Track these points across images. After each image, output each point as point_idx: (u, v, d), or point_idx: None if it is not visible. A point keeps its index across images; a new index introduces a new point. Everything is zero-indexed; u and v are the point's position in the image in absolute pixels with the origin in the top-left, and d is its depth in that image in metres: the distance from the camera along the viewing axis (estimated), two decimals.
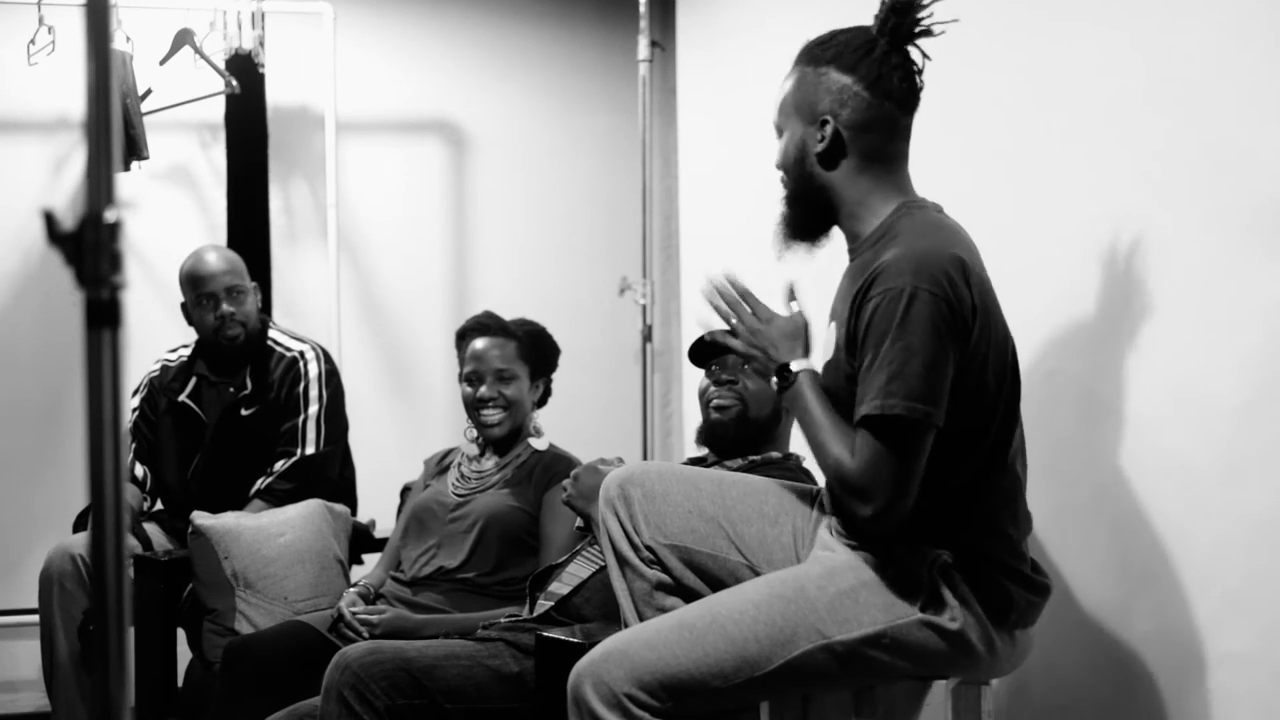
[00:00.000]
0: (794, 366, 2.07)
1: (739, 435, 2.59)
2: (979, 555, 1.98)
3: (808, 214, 2.12)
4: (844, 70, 2.04)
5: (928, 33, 2.06)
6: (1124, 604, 2.27)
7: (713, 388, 2.63)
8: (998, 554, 1.99)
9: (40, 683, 3.46)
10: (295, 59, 4.41)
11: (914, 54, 2.08)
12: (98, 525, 1.13)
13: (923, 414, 1.88)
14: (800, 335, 2.12)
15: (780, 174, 2.15)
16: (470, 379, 3.00)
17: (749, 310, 2.14)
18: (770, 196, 3.66)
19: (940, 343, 1.88)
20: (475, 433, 3.06)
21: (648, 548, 2.14)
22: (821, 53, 2.08)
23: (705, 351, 2.65)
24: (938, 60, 2.11)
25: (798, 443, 2.74)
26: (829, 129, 2.05)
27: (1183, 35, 2.17)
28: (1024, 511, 2.06)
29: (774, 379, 2.10)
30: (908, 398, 1.87)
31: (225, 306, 3.34)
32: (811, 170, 2.09)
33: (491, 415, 2.98)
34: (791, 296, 2.20)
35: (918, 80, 2.07)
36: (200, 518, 3.14)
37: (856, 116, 2.04)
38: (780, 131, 2.14)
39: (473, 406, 3.00)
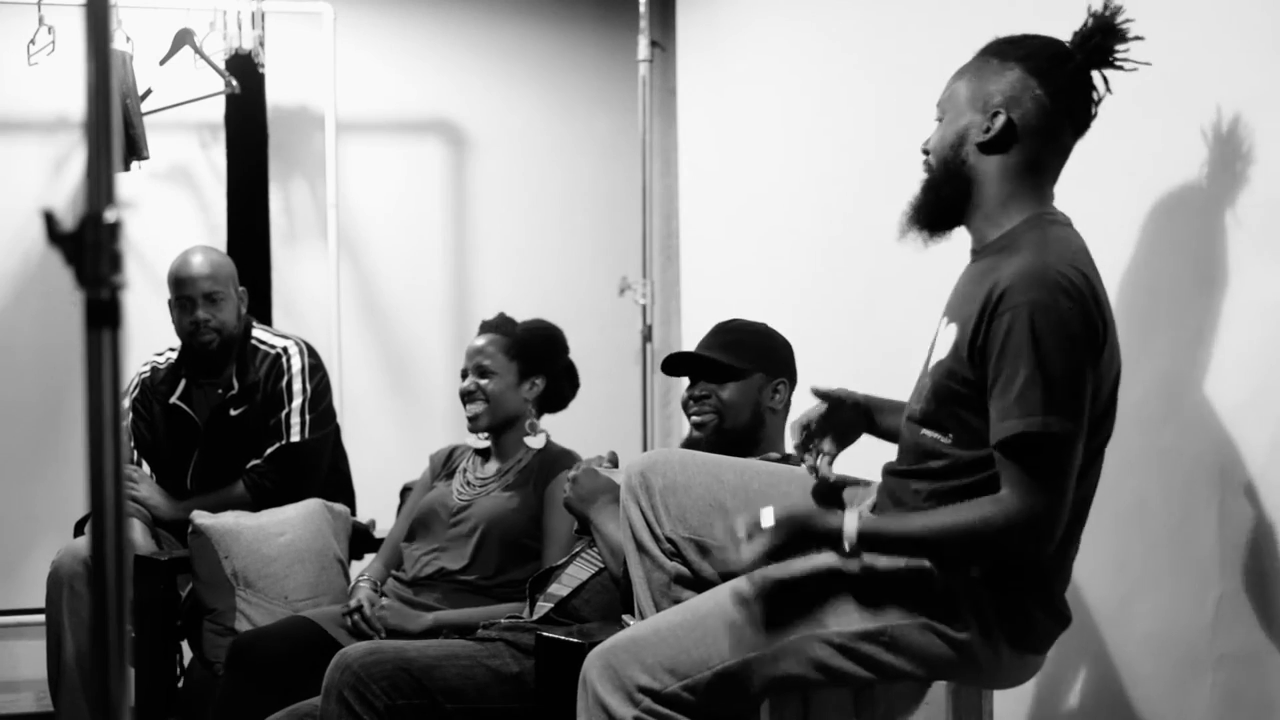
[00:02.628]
0: (849, 534, 1.91)
1: (715, 446, 2.63)
2: (1017, 575, 1.93)
3: (942, 203, 2.06)
4: (1032, 72, 1.99)
5: (1115, 65, 2.02)
6: (1124, 604, 2.27)
7: (691, 403, 2.69)
8: (1038, 577, 1.95)
9: (40, 682, 3.45)
10: (295, 59, 4.41)
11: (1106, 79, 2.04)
12: (98, 525, 1.13)
13: (1069, 429, 1.83)
14: (808, 524, 1.95)
15: (924, 158, 2.09)
16: (462, 373, 3.06)
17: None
18: (770, 197, 3.66)
19: (1077, 353, 1.84)
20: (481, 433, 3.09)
21: (668, 539, 2.15)
22: (1012, 49, 2.03)
23: (677, 363, 2.74)
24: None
25: None
26: (1000, 120, 1.99)
27: (1183, 34, 2.17)
28: (1078, 539, 2.01)
29: (845, 553, 1.94)
30: (1054, 412, 1.82)
31: (200, 313, 3.34)
32: (965, 158, 2.02)
33: (469, 408, 3.02)
34: (810, 458, 2.15)
35: (1094, 109, 2.03)
36: (200, 517, 3.14)
37: (1030, 119, 1.99)
38: (941, 116, 2.09)
39: (460, 399, 3.05)
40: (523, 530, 2.91)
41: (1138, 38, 2.01)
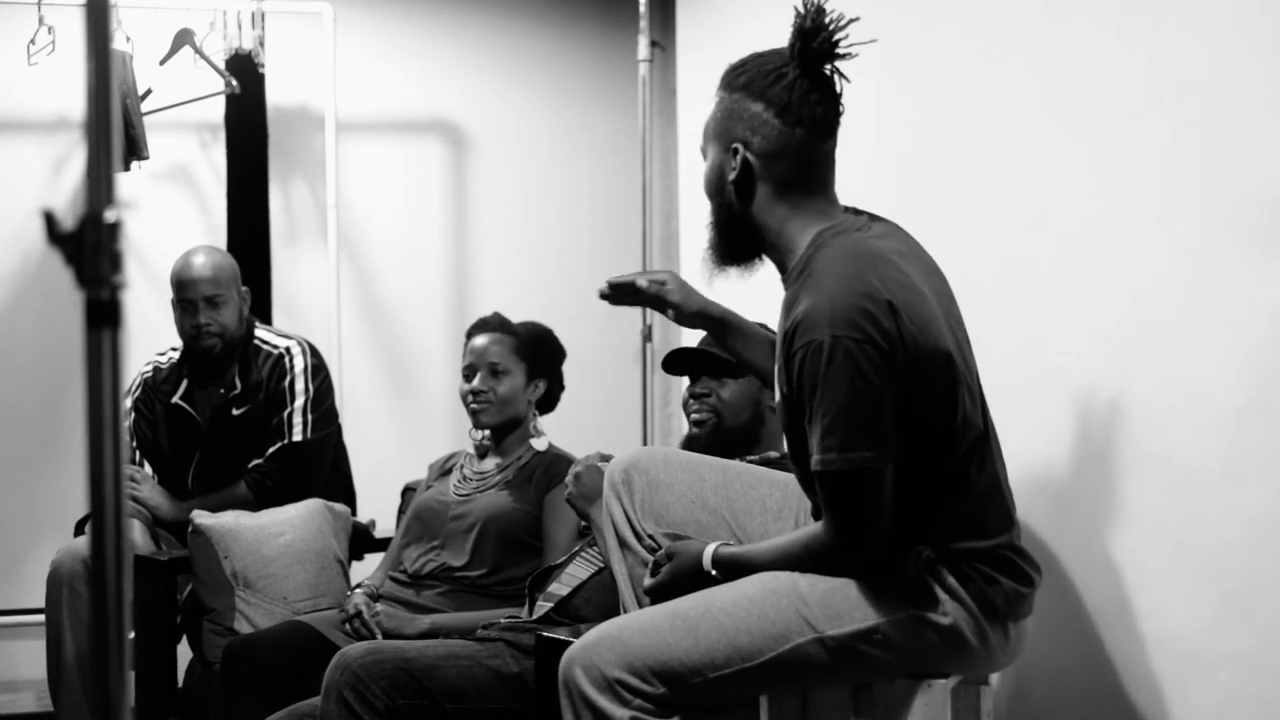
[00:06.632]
0: (705, 562, 2.06)
1: (714, 444, 2.63)
2: (964, 551, 1.96)
3: (734, 241, 2.10)
4: (754, 97, 2.01)
5: (840, 55, 2.01)
6: (1124, 604, 2.27)
7: (691, 401, 2.70)
8: (983, 547, 1.98)
9: (40, 682, 3.45)
10: (295, 59, 4.41)
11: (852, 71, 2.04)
12: (98, 525, 1.13)
13: (862, 460, 1.87)
14: (676, 557, 2.09)
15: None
16: (466, 373, 3.04)
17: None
18: None
19: (870, 386, 1.86)
20: (480, 432, 3.08)
21: (650, 536, 2.15)
22: (735, 78, 2.05)
23: (678, 360, 2.75)
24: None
25: None
26: (739, 158, 2.02)
27: (1183, 35, 2.17)
28: (1008, 501, 2.04)
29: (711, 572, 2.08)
30: (844, 449, 1.87)
31: (201, 317, 3.34)
32: (730, 200, 2.06)
33: (478, 406, 3.01)
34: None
35: (837, 105, 2.03)
36: (200, 517, 3.14)
37: (767, 145, 2.01)
38: (704, 155, 2.12)
39: (464, 398, 3.03)
40: (521, 527, 2.91)
41: (852, 20, 2.00)
